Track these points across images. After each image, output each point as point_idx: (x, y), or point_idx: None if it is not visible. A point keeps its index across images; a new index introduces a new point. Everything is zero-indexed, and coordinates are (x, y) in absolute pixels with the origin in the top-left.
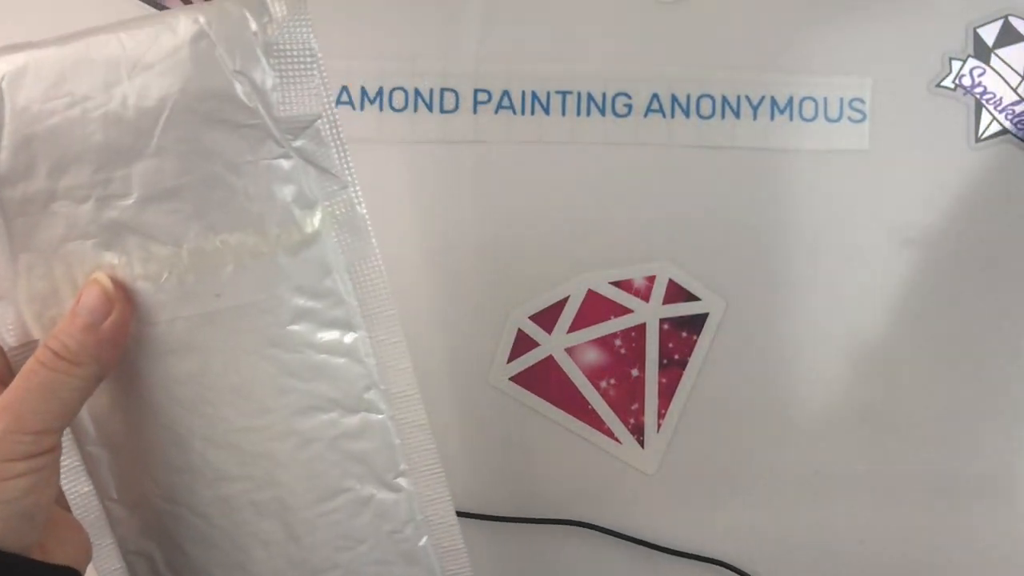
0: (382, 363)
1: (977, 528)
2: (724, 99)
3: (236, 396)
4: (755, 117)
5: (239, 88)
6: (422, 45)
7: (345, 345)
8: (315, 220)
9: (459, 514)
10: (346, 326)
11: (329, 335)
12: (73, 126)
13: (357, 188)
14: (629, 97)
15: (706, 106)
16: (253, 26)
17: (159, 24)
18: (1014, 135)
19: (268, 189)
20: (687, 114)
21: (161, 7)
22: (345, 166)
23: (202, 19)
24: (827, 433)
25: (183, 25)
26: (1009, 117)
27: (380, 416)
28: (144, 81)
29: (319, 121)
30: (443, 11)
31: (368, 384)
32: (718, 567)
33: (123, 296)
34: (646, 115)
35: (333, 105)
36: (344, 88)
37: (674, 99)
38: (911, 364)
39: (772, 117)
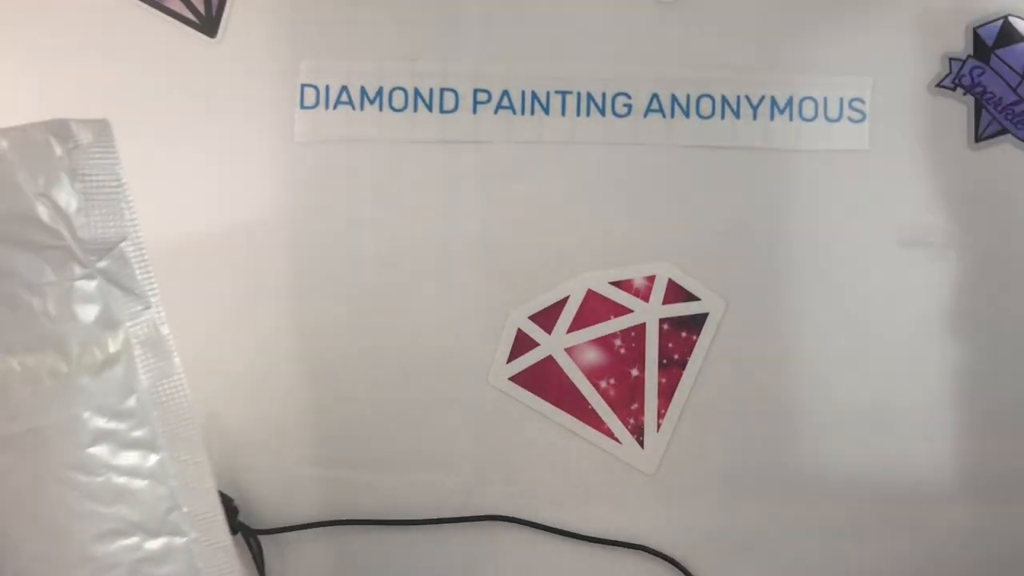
0: (185, 485)
1: (978, 528)
2: (724, 99)
3: (33, 522)
4: (755, 117)
5: (42, 211)
6: (422, 45)
7: (147, 467)
8: (118, 340)
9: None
10: (148, 447)
11: (131, 457)
12: None
13: (160, 309)
14: (629, 97)
15: (706, 106)
16: (58, 151)
17: None
18: (1014, 135)
19: (70, 310)
20: (687, 114)
21: (162, 7)
22: (149, 286)
23: (4, 143)
24: (827, 433)
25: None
26: (1009, 117)
27: (183, 539)
28: None
29: (124, 243)
30: (443, 11)
31: (171, 507)
32: (642, 552)
33: None
34: (646, 115)
35: (137, 227)
36: (344, 88)
37: (674, 99)
38: (911, 363)
39: (772, 117)
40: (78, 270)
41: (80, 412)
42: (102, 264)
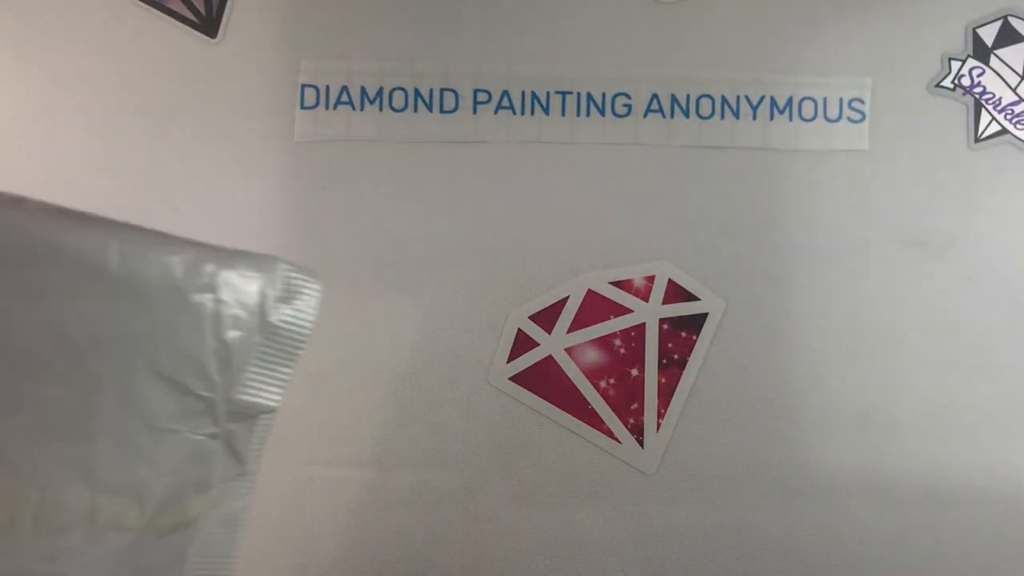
0: None
1: (976, 528)
2: (724, 99)
3: None
4: (755, 117)
5: (212, 362)
6: (422, 45)
7: None
8: (197, 507)
9: None
10: None
11: None
12: None
13: (255, 478)
14: (629, 97)
15: (706, 106)
16: (258, 301)
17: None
18: (1013, 135)
19: (177, 464)
20: (687, 114)
21: (162, 7)
22: (257, 456)
23: (209, 265)
24: (827, 433)
25: (182, 262)
26: (1008, 117)
27: None
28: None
29: (269, 415)
30: (443, 11)
31: None
32: None
33: None
34: (646, 115)
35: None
36: (344, 88)
37: (674, 99)
38: (911, 364)
39: (772, 117)
40: (207, 427)
41: (123, 572)
42: (232, 426)
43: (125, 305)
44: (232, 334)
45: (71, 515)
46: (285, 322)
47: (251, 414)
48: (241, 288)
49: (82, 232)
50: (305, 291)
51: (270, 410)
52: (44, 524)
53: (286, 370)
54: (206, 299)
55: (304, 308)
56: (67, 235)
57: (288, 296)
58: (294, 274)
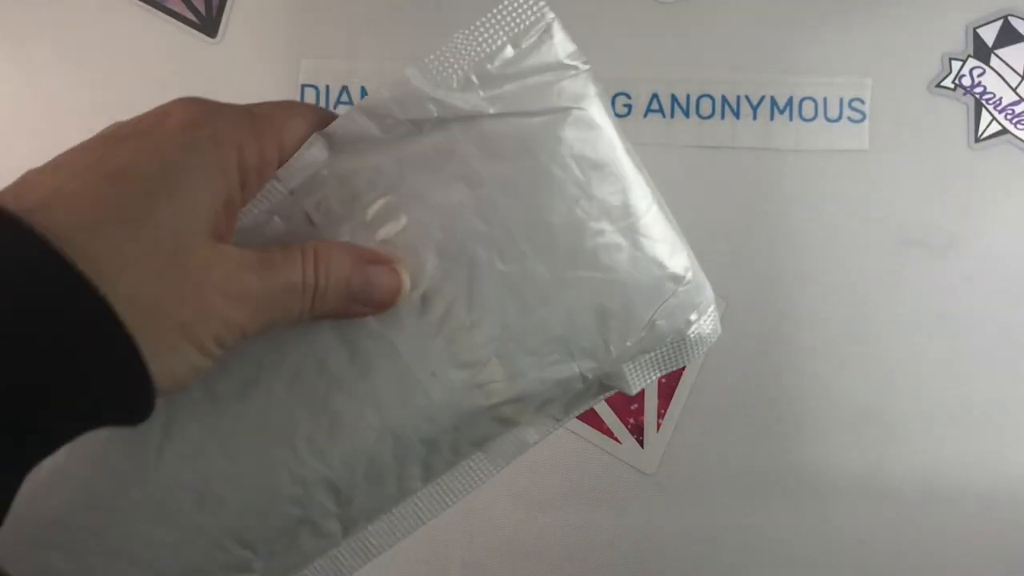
0: None
1: (976, 528)
2: (724, 99)
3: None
4: (755, 117)
5: (635, 331)
6: (422, 45)
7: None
8: (524, 418)
9: None
10: None
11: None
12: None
13: (550, 431)
14: (629, 97)
15: (706, 106)
16: (689, 315)
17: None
18: (1013, 135)
19: (551, 379)
20: (687, 114)
21: (162, 7)
22: (569, 420)
23: (690, 274)
24: (827, 433)
25: (679, 261)
26: (1009, 117)
27: None
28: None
29: (607, 395)
30: (443, 11)
31: None
32: None
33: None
34: (646, 115)
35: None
36: (344, 88)
37: (674, 99)
38: (910, 364)
39: (772, 117)
40: (588, 372)
41: (453, 421)
42: (595, 385)
43: (626, 247)
44: (661, 323)
45: (472, 356)
46: (690, 342)
47: (611, 387)
48: (693, 294)
49: (638, 178)
50: (712, 329)
51: (627, 393)
52: (453, 345)
53: (657, 375)
54: (670, 287)
55: (705, 342)
56: (629, 170)
57: (702, 325)
58: (711, 310)
